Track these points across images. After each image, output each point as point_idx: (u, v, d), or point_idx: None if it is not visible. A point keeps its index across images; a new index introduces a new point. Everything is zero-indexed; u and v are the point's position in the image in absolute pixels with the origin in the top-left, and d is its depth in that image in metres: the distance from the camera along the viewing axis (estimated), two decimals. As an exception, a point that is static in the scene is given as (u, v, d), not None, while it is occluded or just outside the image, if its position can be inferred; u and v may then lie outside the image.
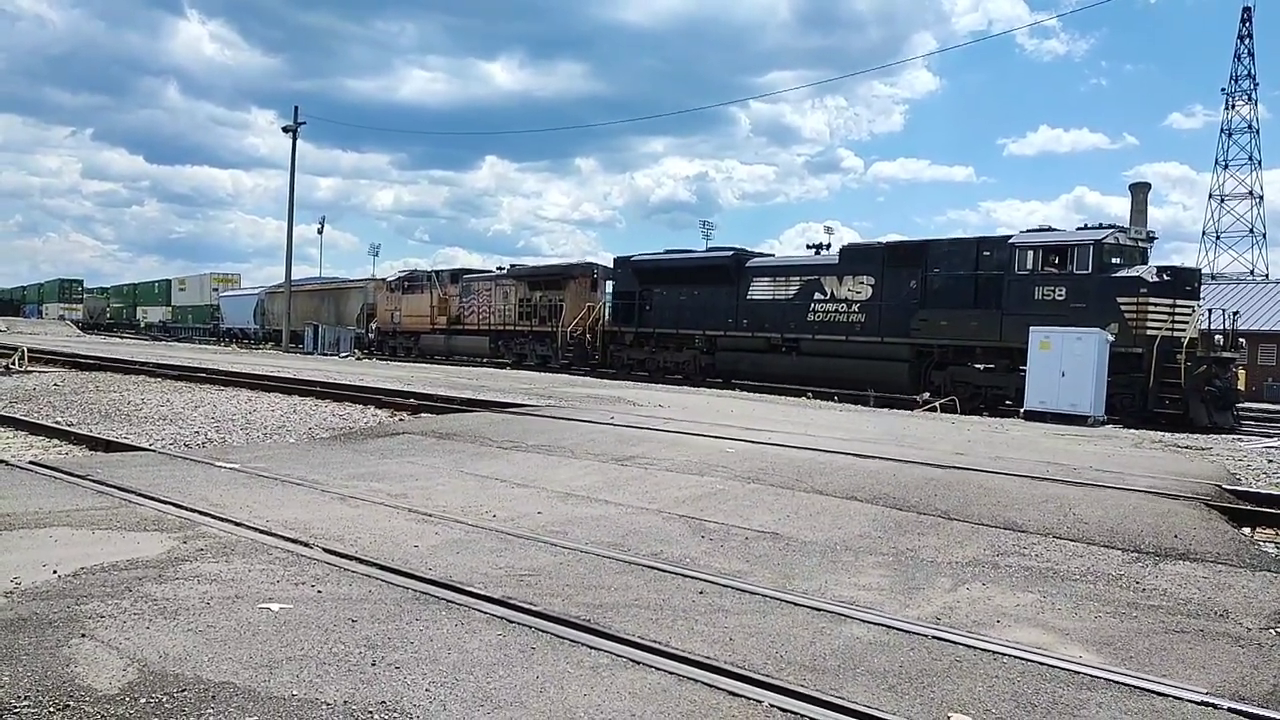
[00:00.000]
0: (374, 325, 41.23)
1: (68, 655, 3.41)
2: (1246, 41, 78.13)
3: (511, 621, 4.04)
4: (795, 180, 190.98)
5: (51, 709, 2.96)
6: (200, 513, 6.01)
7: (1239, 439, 14.20)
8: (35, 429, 10.96)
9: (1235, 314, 19.46)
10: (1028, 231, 20.02)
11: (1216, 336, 18.26)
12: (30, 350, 22.20)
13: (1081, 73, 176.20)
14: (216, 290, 61.69)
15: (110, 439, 10.00)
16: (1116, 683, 3.62)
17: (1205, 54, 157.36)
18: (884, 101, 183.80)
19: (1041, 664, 3.78)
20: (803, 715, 3.20)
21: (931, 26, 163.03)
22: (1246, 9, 78.41)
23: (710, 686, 3.40)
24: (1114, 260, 18.41)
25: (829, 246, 24.77)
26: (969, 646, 3.97)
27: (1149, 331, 17.38)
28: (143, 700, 3.05)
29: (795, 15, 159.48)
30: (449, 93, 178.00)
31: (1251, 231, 79.38)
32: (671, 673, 3.51)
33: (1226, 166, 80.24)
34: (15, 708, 2.95)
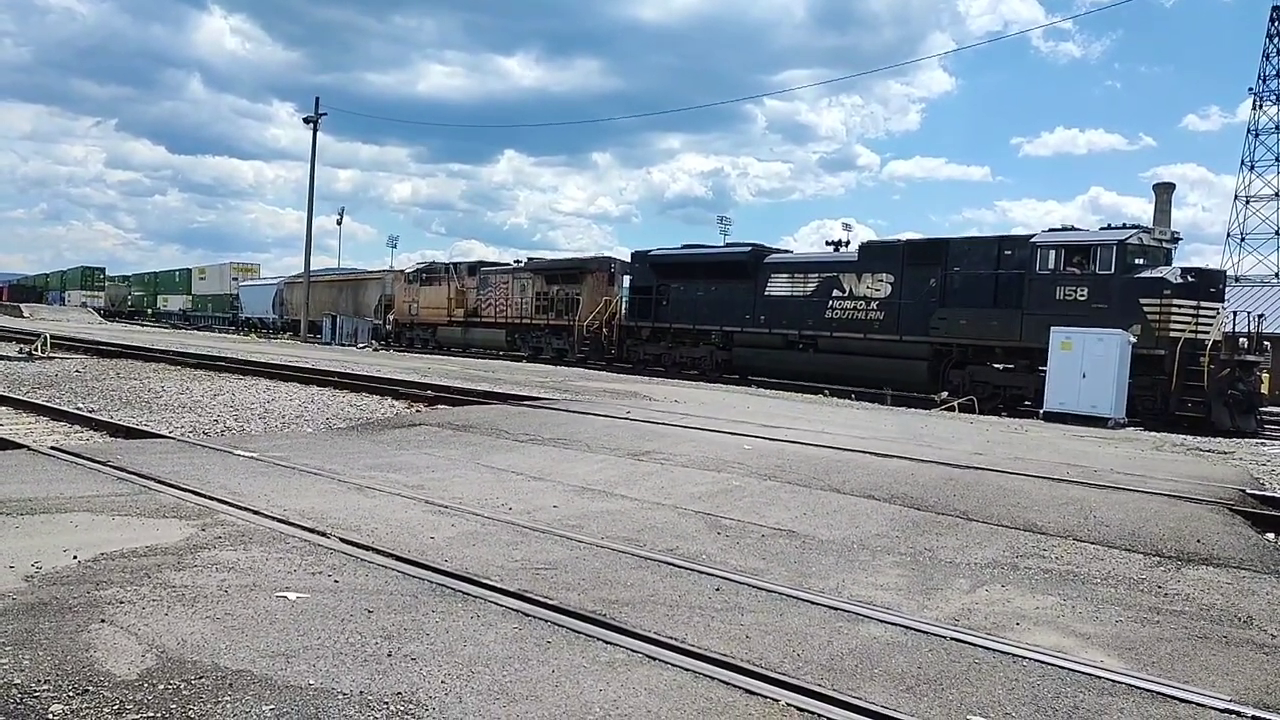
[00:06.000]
0: (391, 316, 41.35)
1: (87, 640, 3.43)
2: (1275, 41, 77.03)
3: (528, 615, 4.04)
4: (810, 177, 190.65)
5: (71, 693, 2.97)
6: (219, 500, 6.04)
7: (1262, 443, 14.04)
8: (57, 415, 11.06)
9: (1260, 317, 19.21)
10: (1050, 231, 19.81)
11: (1241, 339, 18.01)
12: (53, 336, 22.42)
13: (1097, 74, 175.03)
14: (236, 280, 61.99)
15: (130, 426, 10.08)
16: (1138, 688, 3.57)
17: (1220, 56, 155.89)
18: (899, 100, 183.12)
19: (1062, 668, 3.74)
20: (820, 715, 3.18)
21: (947, 27, 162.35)
22: (1276, 8, 77.22)
23: (726, 684, 3.38)
24: (1137, 261, 18.21)
25: (848, 243, 24.66)
26: (988, 649, 3.94)
27: (1172, 333, 17.19)
28: (161, 686, 3.06)
29: (810, 14, 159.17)
30: (467, 87, 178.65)
31: (1277, 234, 78.42)
32: (687, 669, 3.50)
33: (1253, 168, 79.24)
34: (35, 691, 2.97)
